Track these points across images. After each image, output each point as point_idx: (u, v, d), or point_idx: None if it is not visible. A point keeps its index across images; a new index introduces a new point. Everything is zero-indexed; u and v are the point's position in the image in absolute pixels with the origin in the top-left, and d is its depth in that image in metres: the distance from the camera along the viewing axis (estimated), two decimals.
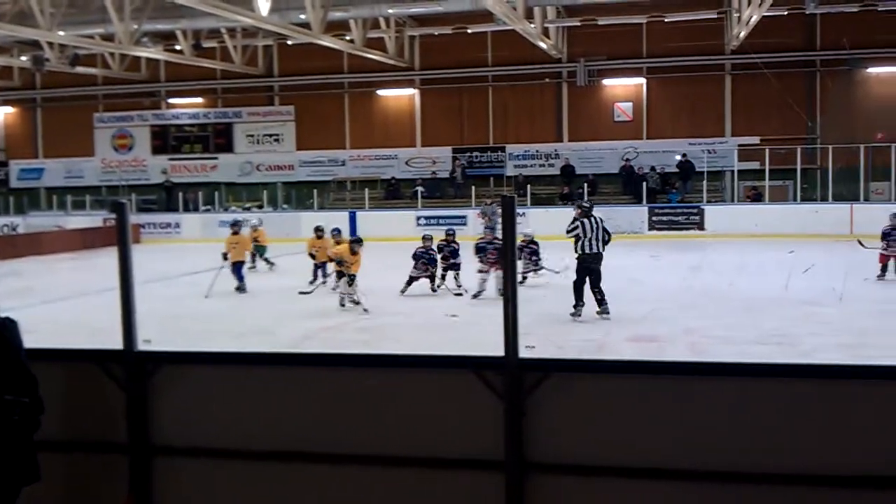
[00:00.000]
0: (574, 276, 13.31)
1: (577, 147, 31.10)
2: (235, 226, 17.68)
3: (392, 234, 26.35)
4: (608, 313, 13.00)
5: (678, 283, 16.71)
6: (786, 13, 24.93)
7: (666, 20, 28.28)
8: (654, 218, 27.52)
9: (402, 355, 5.47)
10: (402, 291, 16.14)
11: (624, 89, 31.08)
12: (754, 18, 22.18)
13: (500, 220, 22.38)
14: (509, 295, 4.87)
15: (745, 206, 27.60)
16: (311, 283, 16.90)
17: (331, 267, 16.92)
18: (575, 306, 13.12)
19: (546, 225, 20.39)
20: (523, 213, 25.61)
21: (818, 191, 27.65)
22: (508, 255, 4.97)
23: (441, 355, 5.31)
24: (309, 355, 6.93)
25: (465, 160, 31.88)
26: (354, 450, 4.97)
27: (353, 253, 15.09)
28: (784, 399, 4.59)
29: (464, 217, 27.28)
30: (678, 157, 29.52)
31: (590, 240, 13.08)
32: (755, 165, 28.14)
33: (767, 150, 27.69)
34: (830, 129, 28.57)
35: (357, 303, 14.60)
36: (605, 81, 30.83)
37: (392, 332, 12.92)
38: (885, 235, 16.73)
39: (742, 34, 24.52)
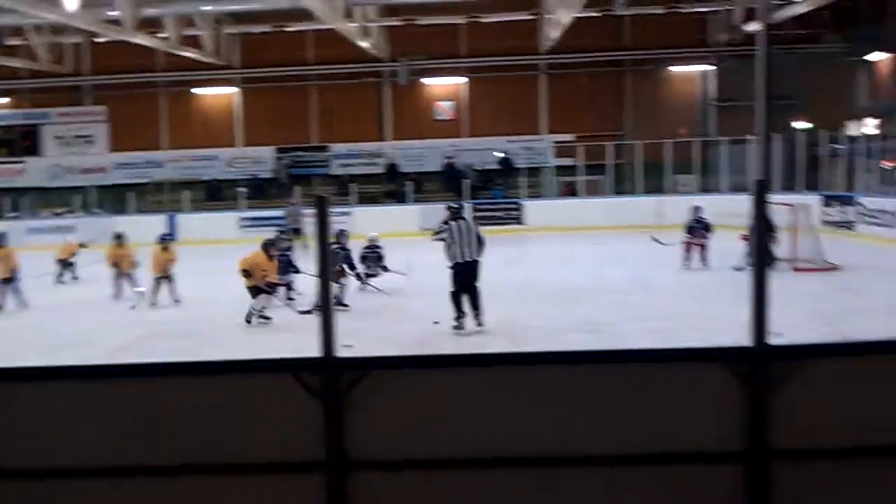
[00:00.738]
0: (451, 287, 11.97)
1: (401, 146, 31.28)
2: (2, 239, 16.41)
3: (214, 237, 25.81)
4: (482, 325, 11.80)
5: (498, 276, 17.06)
6: (597, 14, 25.99)
7: (483, 21, 28.94)
8: (476, 214, 28.02)
9: (218, 362, 5.36)
10: (283, 301, 14.14)
11: (445, 88, 31.54)
12: (566, 19, 23.01)
13: (305, 220, 21.45)
14: (325, 294, 4.91)
15: (561, 201, 28.60)
16: (115, 297, 15.86)
17: (143, 277, 15.77)
18: (456, 318, 11.87)
19: (372, 224, 20.47)
20: (349, 213, 25.62)
21: (629, 184, 28.94)
22: (322, 257, 5.01)
23: (257, 359, 5.25)
24: (119, 367, 6.69)
25: (290, 160, 31.51)
26: (171, 461, 4.87)
27: (271, 258, 13.51)
28: (598, 383, 4.82)
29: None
30: (498, 155, 30.27)
31: (460, 245, 11.75)
32: (570, 161, 29.18)
33: (582, 147, 28.80)
34: (638, 125, 30.07)
35: (267, 318, 13.16)
36: (427, 81, 31.17)
37: (214, 338, 12.55)
38: (690, 229, 17.89)
39: (555, 35, 25.41)
